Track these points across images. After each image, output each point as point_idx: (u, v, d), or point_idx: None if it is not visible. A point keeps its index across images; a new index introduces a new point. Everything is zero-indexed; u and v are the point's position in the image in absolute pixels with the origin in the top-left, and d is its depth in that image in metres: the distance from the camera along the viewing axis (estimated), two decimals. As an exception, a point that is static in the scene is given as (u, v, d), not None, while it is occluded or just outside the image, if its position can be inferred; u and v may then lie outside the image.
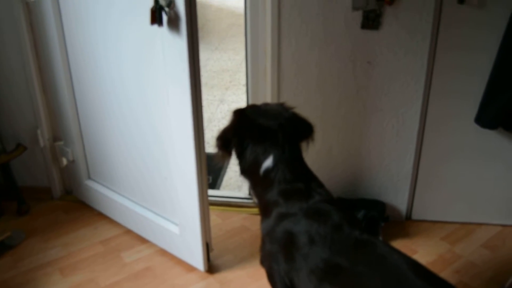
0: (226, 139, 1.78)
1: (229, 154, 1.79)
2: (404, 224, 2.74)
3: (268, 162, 1.66)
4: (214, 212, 2.80)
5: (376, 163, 2.64)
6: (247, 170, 1.73)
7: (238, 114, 1.79)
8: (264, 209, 1.70)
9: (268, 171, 1.66)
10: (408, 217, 2.77)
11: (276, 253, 1.61)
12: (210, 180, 3.09)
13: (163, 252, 2.51)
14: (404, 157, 2.59)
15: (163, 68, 2.06)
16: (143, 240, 2.59)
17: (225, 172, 3.21)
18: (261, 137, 1.69)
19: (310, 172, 1.72)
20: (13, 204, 2.80)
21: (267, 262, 1.69)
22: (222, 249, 2.54)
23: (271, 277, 1.69)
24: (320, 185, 1.69)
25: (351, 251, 1.45)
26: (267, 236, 1.66)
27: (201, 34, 6.11)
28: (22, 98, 2.71)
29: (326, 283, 1.45)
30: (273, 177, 1.65)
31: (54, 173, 2.88)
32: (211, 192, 2.91)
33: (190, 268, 2.41)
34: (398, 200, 2.71)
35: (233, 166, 3.21)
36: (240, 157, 1.73)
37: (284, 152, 1.67)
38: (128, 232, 2.66)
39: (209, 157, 3.06)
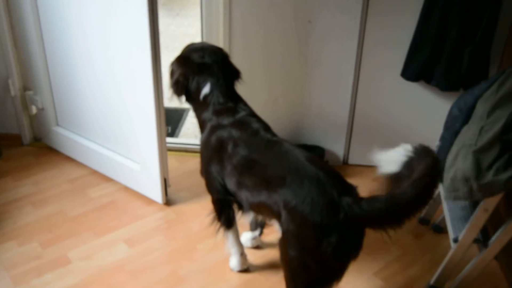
0: (180, 83, 2.09)
1: (182, 93, 2.11)
2: (342, 167, 3.10)
3: (206, 89, 2.03)
4: (173, 157, 3.09)
5: (316, 112, 2.97)
6: (191, 97, 2.10)
7: (183, 60, 2.11)
8: (202, 126, 2.09)
9: (206, 96, 2.04)
10: (345, 161, 3.13)
11: (210, 158, 2.00)
12: (169, 130, 3.38)
13: (126, 189, 2.81)
14: (340, 107, 2.93)
15: (127, 18, 2.32)
16: (107, 179, 2.88)
17: (183, 123, 3.51)
18: (200, 70, 2.05)
19: (239, 96, 2.10)
20: (-15, 149, 3.05)
21: (204, 168, 2.07)
22: (179, 187, 2.85)
23: (208, 183, 2.08)
24: (246, 104, 2.07)
25: (264, 149, 1.85)
26: (203, 145, 2.05)
27: (163, 1, 6.32)
28: (-6, 50, 2.92)
29: (244, 174, 1.86)
30: (210, 100, 2.03)
31: (24, 121, 3.12)
32: (170, 140, 3.22)
33: (150, 202, 2.72)
34: (336, 147, 3.06)
35: (190, 118, 3.51)
36: (184, 88, 2.08)
37: (218, 81, 2.04)
38: (94, 172, 2.94)
39: (169, 110, 3.36)
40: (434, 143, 2.43)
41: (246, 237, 2.41)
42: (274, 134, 1.94)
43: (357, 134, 3.03)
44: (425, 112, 2.87)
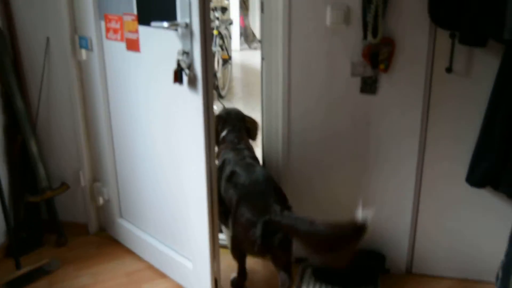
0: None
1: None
2: (404, 277, 2.91)
3: (224, 132, 2.88)
4: (228, 255, 3.05)
5: (376, 216, 2.84)
6: (218, 141, 2.90)
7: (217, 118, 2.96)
8: (218, 155, 2.80)
9: (223, 136, 2.86)
10: (409, 270, 2.94)
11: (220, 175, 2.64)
12: (230, 226, 3.38)
13: (179, 287, 2.79)
14: (402, 211, 2.81)
15: (184, 121, 2.41)
16: (162, 275, 2.89)
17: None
18: (224, 122, 2.92)
19: (245, 138, 2.88)
20: (53, 236, 3.19)
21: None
22: (232, 287, 2.79)
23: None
24: (247, 142, 2.87)
25: (244, 167, 2.56)
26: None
27: (241, 95, 6.61)
28: (69, 143, 3.13)
29: (228, 182, 2.53)
30: (225, 139, 2.85)
31: (92, 211, 3.26)
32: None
33: (201, 301, 2.67)
34: (398, 253, 2.90)
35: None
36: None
37: (233, 128, 2.88)
38: (150, 267, 2.97)
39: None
40: (500, 256, 2.26)
41: None
42: (255, 159, 2.72)
43: (421, 241, 2.87)
44: (492, 220, 2.70)
